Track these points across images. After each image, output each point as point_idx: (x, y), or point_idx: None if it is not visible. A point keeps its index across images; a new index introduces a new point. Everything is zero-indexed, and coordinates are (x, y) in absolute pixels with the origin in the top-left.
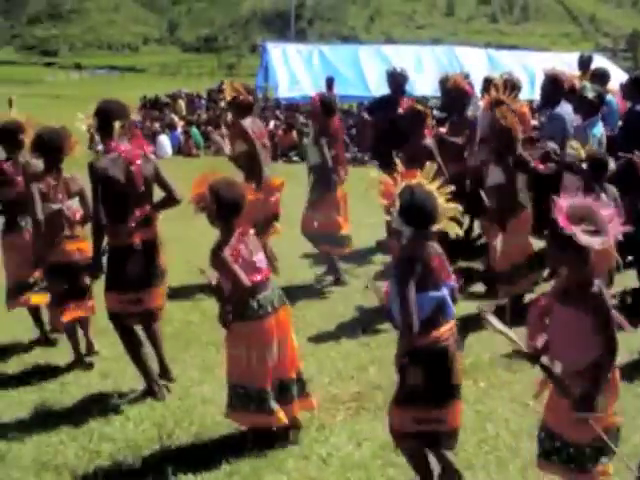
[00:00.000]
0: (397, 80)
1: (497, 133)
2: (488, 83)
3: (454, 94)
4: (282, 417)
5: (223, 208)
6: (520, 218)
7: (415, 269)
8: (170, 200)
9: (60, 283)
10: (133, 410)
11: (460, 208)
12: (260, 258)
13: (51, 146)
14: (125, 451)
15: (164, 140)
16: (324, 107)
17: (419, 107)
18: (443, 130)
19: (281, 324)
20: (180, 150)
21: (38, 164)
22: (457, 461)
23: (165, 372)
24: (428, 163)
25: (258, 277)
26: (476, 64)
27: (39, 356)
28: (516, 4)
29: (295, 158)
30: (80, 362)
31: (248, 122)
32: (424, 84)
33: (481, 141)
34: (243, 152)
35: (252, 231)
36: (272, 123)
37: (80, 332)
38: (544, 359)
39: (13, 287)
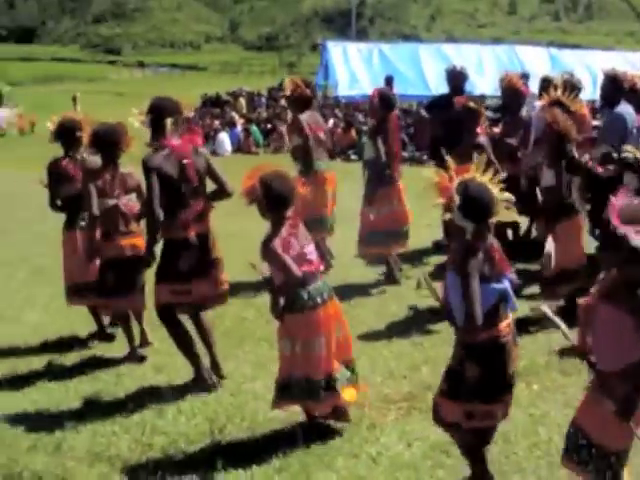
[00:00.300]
0: (456, 78)
1: (549, 136)
2: (546, 83)
3: (508, 94)
4: (328, 407)
5: (273, 200)
6: (572, 222)
7: (478, 261)
8: (222, 193)
9: (112, 277)
10: (185, 404)
11: (514, 205)
12: (310, 250)
13: (108, 142)
14: (177, 444)
15: (224, 138)
16: (382, 102)
17: (472, 105)
18: (497, 130)
19: (330, 317)
20: (240, 148)
21: (95, 160)
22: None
23: (216, 368)
24: (478, 158)
25: (308, 268)
26: (538, 63)
27: (95, 348)
28: (580, 2)
29: (353, 157)
30: (133, 354)
31: (305, 116)
32: (484, 83)
33: (536, 142)
34: (298, 146)
35: (302, 223)
36: (331, 121)
37: (135, 324)
38: (592, 357)
39: (71, 285)
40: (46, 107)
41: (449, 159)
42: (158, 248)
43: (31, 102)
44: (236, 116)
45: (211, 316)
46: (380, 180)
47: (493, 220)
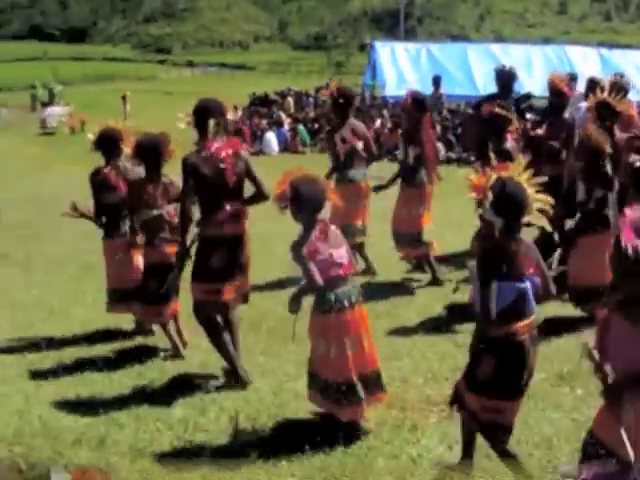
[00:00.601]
0: (505, 78)
1: (583, 151)
2: (593, 84)
3: (552, 95)
4: (352, 414)
5: (303, 204)
6: (596, 238)
7: (499, 258)
8: (259, 196)
9: (154, 283)
10: (228, 402)
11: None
12: (341, 254)
13: (151, 153)
14: (218, 442)
15: (271, 137)
16: (416, 104)
17: (499, 111)
18: (540, 132)
19: (356, 321)
20: (287, 147)
21: (136, 170)
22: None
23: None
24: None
25: (337, 272)
26: (587, 64)
27: (141, 344)
28: (631, 2)
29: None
30: (176, 351)
31: (345, 127)
32: (533, 83)
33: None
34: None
35: (334, 227)
36: (378, 122)
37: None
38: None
39: (112, 292)
40: (96, 106)
41: (493, 158)
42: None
43: (82, 101)
44: (283, 116)
45: (256, 315)
46: (407, 182)
47: (524, 219)
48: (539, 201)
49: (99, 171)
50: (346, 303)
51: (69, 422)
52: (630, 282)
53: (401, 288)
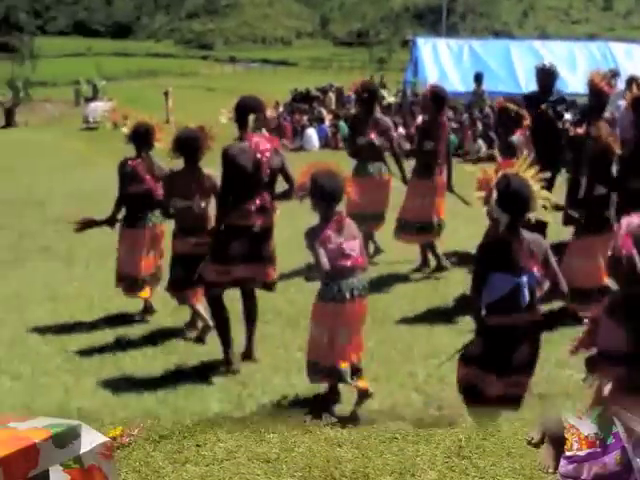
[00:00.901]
0: (545, 76)
1: (592, 149)
2: (631, 81)
3: (592, 93)
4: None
5: (320, 196)
6: (592, 239)
7: (500, 251)
8: (290, 193)
9: (180, 272)
10: (265, 397)
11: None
12: (352, 246)
13: (190, 146)
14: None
15: (312, 133)
16: (435, 99)
17: (510, 106)
18: (580, 131)
19: (354, 314)
20: (327, 143)
21: (164, 167)
22: None
23: (250, 353)
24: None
25: (345, 262)
26: (632, 61)
27: (180, 337)
28: None
29: None
30: (207, 330)
31: (367, 122)
32: (576, 81)
33: (622, 142)
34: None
35: (349, 220)
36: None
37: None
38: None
39: (122, 279)
40: (139, 101)
41: (496, 154)
42: None
43: (125, 96)
44: (324, 112)
45: (295, 312)
46: (420, 174)
47: (529, 215)
48: (544, 198)
49: (127, 161)
50: (347, 295)
51: (108, 415)
52: (621, 285)
53: (431, 287)
